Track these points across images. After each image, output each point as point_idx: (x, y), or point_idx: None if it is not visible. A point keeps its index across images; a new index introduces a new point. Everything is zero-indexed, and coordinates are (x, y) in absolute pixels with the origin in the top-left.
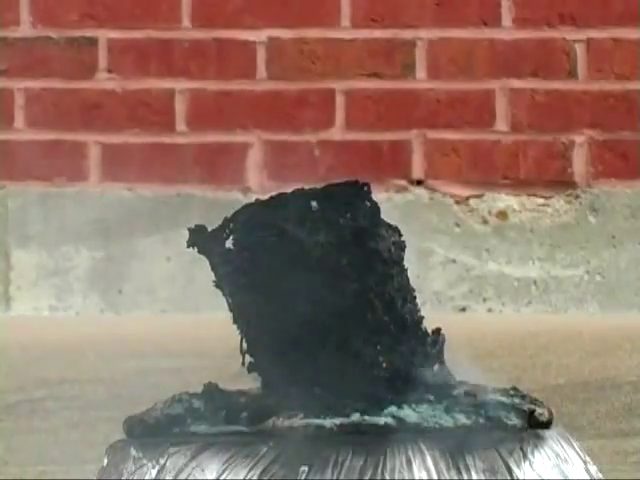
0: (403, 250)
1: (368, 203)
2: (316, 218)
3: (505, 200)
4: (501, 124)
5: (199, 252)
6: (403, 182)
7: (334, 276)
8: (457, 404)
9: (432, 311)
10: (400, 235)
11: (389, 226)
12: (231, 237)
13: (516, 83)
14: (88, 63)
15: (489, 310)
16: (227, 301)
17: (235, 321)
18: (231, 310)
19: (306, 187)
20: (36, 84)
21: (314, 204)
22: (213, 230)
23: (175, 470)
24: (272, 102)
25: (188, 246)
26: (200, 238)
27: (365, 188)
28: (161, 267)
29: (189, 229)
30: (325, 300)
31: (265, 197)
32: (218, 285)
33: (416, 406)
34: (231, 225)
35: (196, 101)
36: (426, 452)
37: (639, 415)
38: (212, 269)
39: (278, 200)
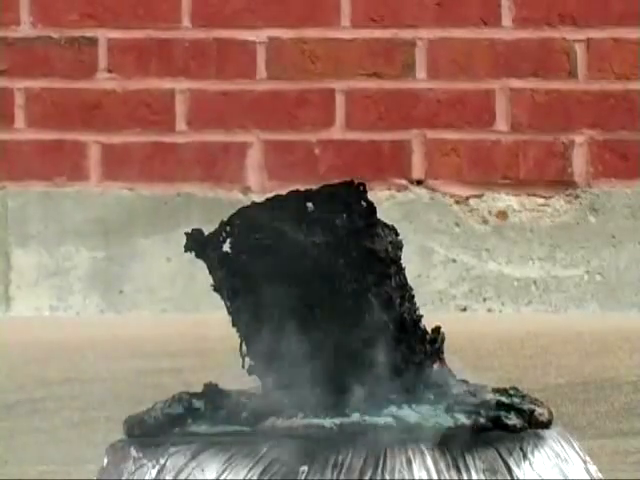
0: (400, 249)
1: (364, 203)
2: (312, 219)
3: (505, 200)
4: (501, 124)
5: (197, 256)
6: (403, 182)
7: (332, 276)
8: (457, 404)
9: (432, 311)
10: (397, 234)
11: (386, 225)
12: (228, 240)
13: (516, 83)
14: (88, 63)
15: (489, 310)
16: (226, 304)
17: (234, 324)
18: (230, 313)
19: (302, 188)
20: (36, 84)
21: (310, 205)
22: (210, 234)
23: (175, 470)
24: (272, 102)
25: (186, 250)
26: (197, 242)
27: (361, 188)
28: (161, 267)
29: (186, 233)
30: (323, 300)
31: (262, 199)
32: (217, 289)
33: (416, 406)
34: (228, 228)
35: (196, 101)
36: (426, 452)
37: (639, 415)
38: (210, 273)
39: (274, 202)
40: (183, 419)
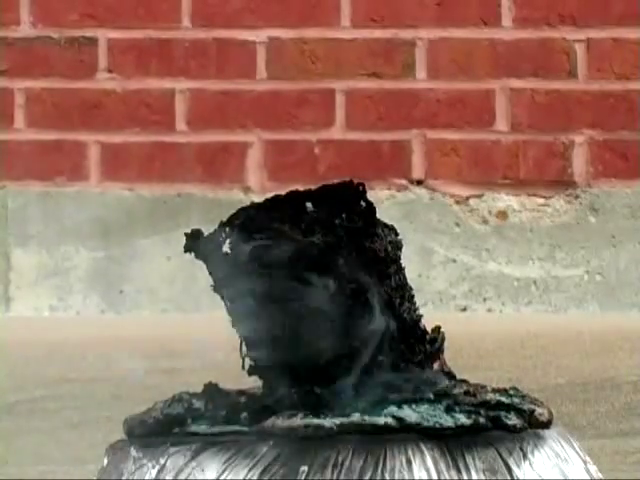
0: (400, 249)
1: (363, 203)
2: (311, 219)
3: (505, 200)
4: (501, 124)
5: (196, 257)
6: (403, 182)
7: (331, 277)
8: (457, 404)
9: (432, 311)
10: (396, 234)
11: (385, 225)
12: (227, 241)
13: (516, 83)
14: (88, 63)
15: (489, 310)
16: (226, 305)
17: (234, 325)
18: (230, 314)
19: (302, 188)
20: (36, 84)
21: (309, 205)
22: (209, 234)
23: (175, 470)
24: (272, 102)
25: (185, 251)
26: (197, 243)
27: (360, 188)
28: (161, 267)
29: (186, 234)
30: (323, 301)
31: (262, 199)
32: (216, 289)
33: (416, 406)
34: (227, 229)
35: (196, 101)
36: (426, 452)
37: (639, 415)
38: (210, 273)
39: (273, 202)
40: (183, 419)
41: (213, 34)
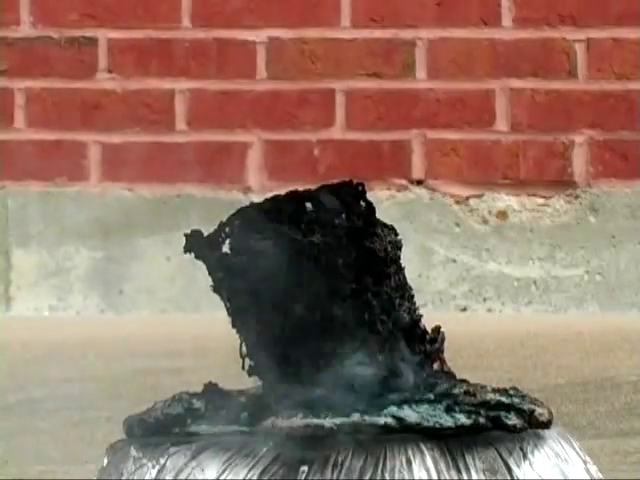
0: (400, 249)
1: (363, 203)
2: (311, 219)
3: (505, 200)
4: (501, 124)
5: (196, 257)
6: (403, 182)
7: (331, 277)
8: (457, 404)
9: (432, 311)
10: (396, 234)
11: (385, 225)
12: (227, 241)
13: (516, 83)
14: (88, 63)
15: (489, 310)
16: (225, 305)
17: (234, 325)
18: (230, 314)
19: (301, 188)
20: (36, 84)
21: (309, 205)
22: (209, 235)
23: (175, 470)
24: (272, 102)
25: (185, 251)
26: (196, 243)
27: (360, 188)
28: (161, 267)
29: (185, 234)
30: (322, 301)
31: (261, 199)
32: (216, 290)
33: (416, 406)
34: (227, 229)
35: (196, 101)
36: (426, 452)
37: (639, 415)
38: (209, 274)
39: (273, 202)
40: (183, 419)
41: (213, 34)
